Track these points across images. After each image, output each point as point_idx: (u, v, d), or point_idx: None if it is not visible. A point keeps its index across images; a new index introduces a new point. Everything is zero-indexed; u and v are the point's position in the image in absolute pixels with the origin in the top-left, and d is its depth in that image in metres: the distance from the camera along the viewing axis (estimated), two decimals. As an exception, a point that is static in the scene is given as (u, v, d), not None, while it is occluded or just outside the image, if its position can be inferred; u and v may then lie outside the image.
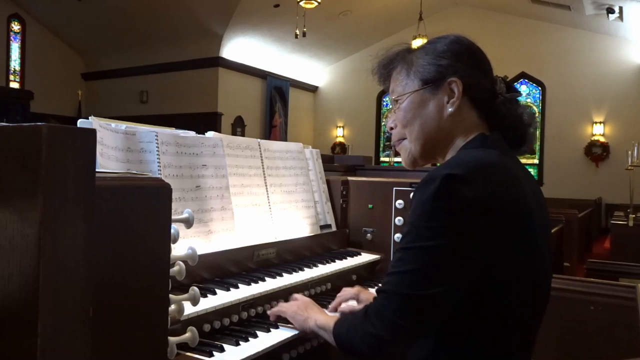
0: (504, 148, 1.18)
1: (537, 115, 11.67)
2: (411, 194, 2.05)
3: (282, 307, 1.40)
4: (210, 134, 1.70)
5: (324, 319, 1.29)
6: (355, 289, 1.59)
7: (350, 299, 1.55)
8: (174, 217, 0.95)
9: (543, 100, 11.98)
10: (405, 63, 1.27)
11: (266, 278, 1.56)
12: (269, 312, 1.42)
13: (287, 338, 1.32)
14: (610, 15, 9.61)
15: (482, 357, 1.07)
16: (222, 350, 1.17)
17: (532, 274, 1.09)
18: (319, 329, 1.27)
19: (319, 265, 1.79)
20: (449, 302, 1.02)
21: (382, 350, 1.08)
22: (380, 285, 1.12)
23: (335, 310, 1.51)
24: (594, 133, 11.34)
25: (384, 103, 13.80)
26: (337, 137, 14.36)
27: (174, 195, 1.08)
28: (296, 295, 1.50)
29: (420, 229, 1.03)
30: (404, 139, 1.27)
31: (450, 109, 1.19)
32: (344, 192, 2.23)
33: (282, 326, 1.37)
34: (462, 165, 1.05)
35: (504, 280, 1.04)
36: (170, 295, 1.01)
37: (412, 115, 1.23)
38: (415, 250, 1.03)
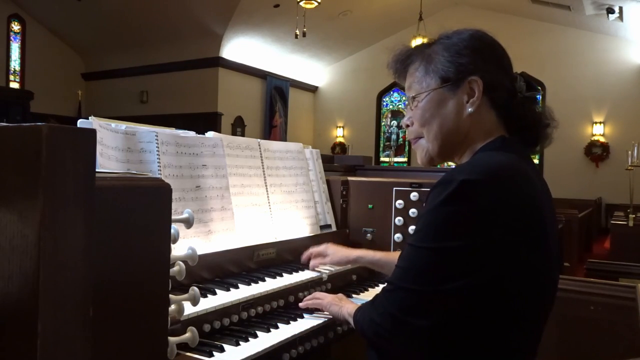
0: (522, 151, 1.16)
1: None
2: (411, 194, 2.08)
3: (317, 297, 1.52)
4: (210, 134, 1.70)
5: (353, 308, 1.35)
6: (323, 246, 1.79)
7: (319, 254, 1.78)
8: (174, 217, 0.95)
9: (543, 101, 11.96)
10: (424, 59, 1.23)
11: (266, 278, 1.56)
12: (302, 302, 1.53)
13: (287, 338, 1.32)
14: (610, 15, 9.61)
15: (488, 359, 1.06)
16: (222, 350, 1.17)
17: (543, 279, 1.09)
18: (349, 317, 1.35)
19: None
20: (449, 300, 1.02)
21: (386, 340, 1.10)
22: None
23: (308, 259, 1.78)
24: (594, 133, 11.33)
25: (384, 103, 13.79)
26: (337, 137, 14.35)
27: (174, 195, 1.08)
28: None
29: (432, 229, 1.03)
30: (421, 137, 1.24)
31: (469, 109, 1.16)
32: (344, 192, 2.23)
33: (282, 325, 1.38)
34: (480, 170, 1.04)
35: (514, 286, 1.03)
36: (170, 295, 1.01)
37: (431, 115, 1.20)
38: (423, 250, 1.03)
